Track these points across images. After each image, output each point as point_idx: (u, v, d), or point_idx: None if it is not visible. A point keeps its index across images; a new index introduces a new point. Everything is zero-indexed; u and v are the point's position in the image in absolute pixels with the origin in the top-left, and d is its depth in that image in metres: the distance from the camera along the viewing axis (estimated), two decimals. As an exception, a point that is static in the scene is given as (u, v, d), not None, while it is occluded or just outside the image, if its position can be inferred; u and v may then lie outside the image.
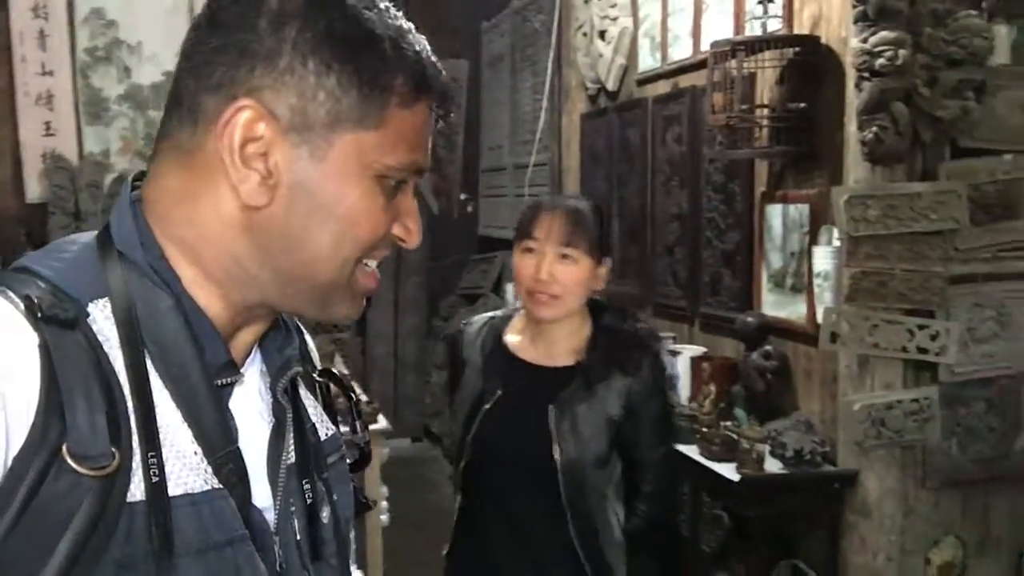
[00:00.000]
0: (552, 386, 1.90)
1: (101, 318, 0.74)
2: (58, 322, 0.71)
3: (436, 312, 6.40)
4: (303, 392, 0.92)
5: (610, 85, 3.91)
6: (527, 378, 1.94)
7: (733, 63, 2.60)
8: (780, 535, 2.62)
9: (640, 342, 1.96)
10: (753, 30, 2.79)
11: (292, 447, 0.86)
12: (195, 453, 0.75)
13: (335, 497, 0.90)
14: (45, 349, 0.69)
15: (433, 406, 6.08)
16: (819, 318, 2.46)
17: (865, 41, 2.23)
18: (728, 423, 2.62)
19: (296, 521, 0.84)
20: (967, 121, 2.30)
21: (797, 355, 2.72)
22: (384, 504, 3.26)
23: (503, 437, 1.90)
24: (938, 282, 2.34)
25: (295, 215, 0.78)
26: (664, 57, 3.50)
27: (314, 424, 0.91)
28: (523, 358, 1.96)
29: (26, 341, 0.70)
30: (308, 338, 1.00)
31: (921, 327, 2.34)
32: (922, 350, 2.34)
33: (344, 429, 0.98)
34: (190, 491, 0.74)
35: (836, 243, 2.43)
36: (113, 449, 0.69)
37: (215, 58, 0.76)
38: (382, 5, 0.80)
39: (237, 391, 0.82)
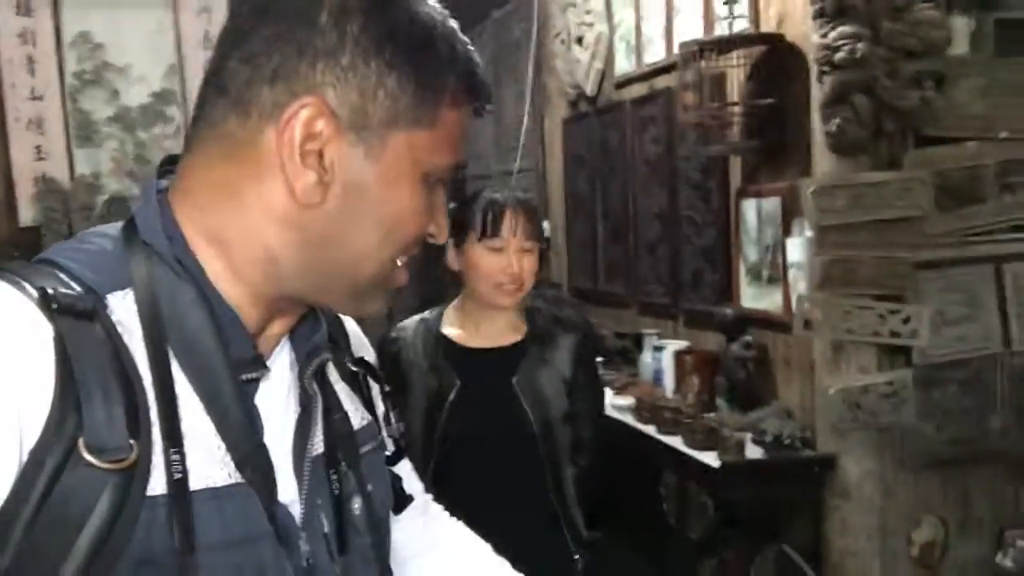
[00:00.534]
0: (508, 362, 2.02)
1: (122, 309, 0.73)
2: (74, 313, 0.69)
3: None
4: (333, 378, 0.89)
5: (589, 90, 3.98)
6: (481, 363, 2.03)
7: (703, 63, 2.68)
8: (765, 521, 2.68)
9: (569, 303, 2.14)
10: (722, 30, 2.87)
11: (320, 437, 0.84)
12: (218, 447, 0.73)
13: (369, 488, 0.86)
14: (60, 341, 0.68)
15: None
16: (794, 307, 2.53)
17: (825, 36, 2.29)
18: (711, 414, 2.69)
19: (323, 514, 0.82)
20: (929, 111, 2.35)
21: (776, 344, 2.78)
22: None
23: (476, 422, 1.98)
24: (906, 268, 2.39)
25: (344, 214, 0.76)
26: (639, 60, 3.57)
27: (346, 413, 0.87)
28: (471, 346, 2.06)
29: (41, 333, 0.68)
30: (353, 325, 0.98)
31: (892, 312, 2.40)
32: (894, 334, 2.40)
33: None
34: (212, 485, 0.72)
35: (807, 234, 2.50)
36: (132, 441, 0.68)
37: (271, 48, 0.74)
38: (433, 2, 0.79)
39: (263, 385, 0.80)
